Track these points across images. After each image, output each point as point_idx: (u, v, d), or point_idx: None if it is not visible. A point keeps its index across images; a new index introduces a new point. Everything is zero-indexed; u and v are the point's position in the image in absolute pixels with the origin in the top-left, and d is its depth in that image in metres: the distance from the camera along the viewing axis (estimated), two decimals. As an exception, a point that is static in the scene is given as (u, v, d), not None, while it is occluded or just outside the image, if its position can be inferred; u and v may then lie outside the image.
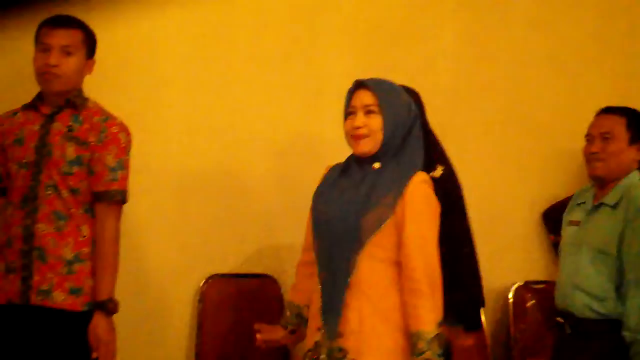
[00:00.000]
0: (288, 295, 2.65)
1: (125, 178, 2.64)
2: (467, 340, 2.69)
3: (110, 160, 2.60)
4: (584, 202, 2.95)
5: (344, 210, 2.29)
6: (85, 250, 2.57)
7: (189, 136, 3.38)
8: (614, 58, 3.92)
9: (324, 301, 2.31)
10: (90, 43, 2.69)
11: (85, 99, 2.69)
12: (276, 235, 3.40)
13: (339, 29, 3.57)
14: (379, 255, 2.28)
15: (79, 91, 2.68)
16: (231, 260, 3.40)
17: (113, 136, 2.61)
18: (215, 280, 3.36)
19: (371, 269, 2.28)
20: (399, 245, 2.28)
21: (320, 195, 2.43)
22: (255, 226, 3.42)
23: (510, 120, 3.75)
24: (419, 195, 2.31)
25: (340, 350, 2.25)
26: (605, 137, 2.87)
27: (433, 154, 2.77)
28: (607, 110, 2.93)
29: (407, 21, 3.67)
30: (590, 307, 2.74)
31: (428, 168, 2.64)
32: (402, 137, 2.36)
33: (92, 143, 2.58)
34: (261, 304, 3.37)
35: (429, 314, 2.24)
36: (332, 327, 2.27)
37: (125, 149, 2.65)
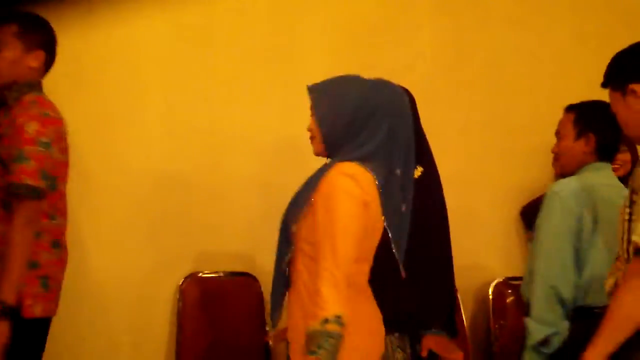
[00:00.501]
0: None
1: (28, 172, 2.42)
2: (457, 355, 2.65)
3: (15, 152, 2.43)
4: None
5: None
6: None
7: (169, 137, 3.39)
8: (592, 57, 3.93)
9: (271, 300, 2.31)
10: (28, 34, 2.56)
11: (23, 93, 2.55)
12: (257, 234, 3.39)
13: (319, 31, 3.58)
14: (308, 251, 2.21)
15: (19, 85, 2.56)
16: (212, 259, 3.41)
17: (19, 127, 2.44)
18: (195, 279, 3.37)
19: (304, 265, 2.23)
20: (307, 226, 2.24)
21: None
22: (236, 225, 3.43)
23: (489, 120, 3.78)
24: (328, 185, 2.17)
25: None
26: (557, 136, 2.93)
27: (416, 154, 2.76)
28: (566, 109, 2.97)
29: (386, 22, 3.69)
30: None
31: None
32: (346, 131, 2.24)
33: (4, 136, 2.48)
34: (242, 303, 3.37)
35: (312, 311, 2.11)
36: (275, 326, 2.32)
37: (32, 140, 2.43)
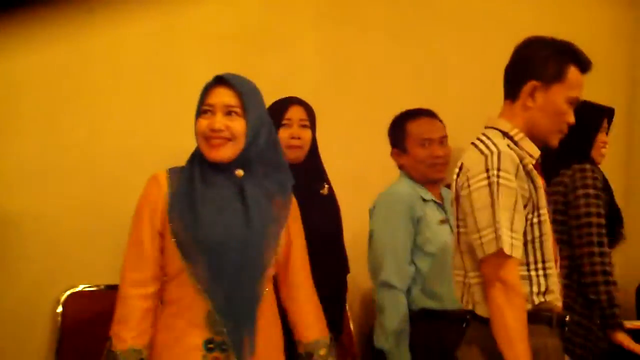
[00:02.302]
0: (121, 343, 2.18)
1: None
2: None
3: None
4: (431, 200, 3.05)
5: (237, 230, 2.11)
6: None
7: (46, 148, 3.28)
8: (474, 66, 4.08)
9: (229, 330, 2.12)
10: None
11: None
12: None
13: (202, 39, 3.55)
14: (271, 274, 2.24)
15: None
16: (96, 273, 3.30)
17: None
18: (80, 292, 3.25)
19: (269, 290, 2.23)
20: (286, 258, 2.27)
21: (180, 211, 2.14)
22: (119, 238, 3.33)
23: (373, 130, 3.83)
24: (297, 206, 2.29)
25: None
26: (445, 141, 3.11)
27: (323, 170, 2.82)
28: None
29: (269, 29, 3.69)
30: None
31: (318, 184, 2.69)
32: (266, 142, 2.20)
33: None
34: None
35: (324, 322, 2.31)
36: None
37: None
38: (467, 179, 2.15)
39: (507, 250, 2.07)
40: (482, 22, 4.15)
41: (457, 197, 2.21)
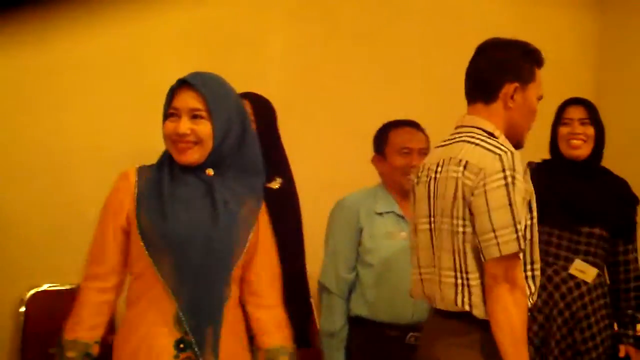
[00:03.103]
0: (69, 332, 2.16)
1: None
2: None
3: None
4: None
5: (203, 227, 2.08)
6: None
7: (11, 145, 3.23)
8: (437, 67, 4.10)
9: (192, 329, 2.08)
10: None
11: None
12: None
13: (167, 37, 3.53)
14: (237, 275, 2.21)
15: None
16: (61, 272, 3.26)
17: None
18: (44, 292, 3.22)
19: (233, 290, 2.20)
20: (251, 262, 2.23)
21: (147, 206, 2.11)
22: (86, 236, 3.30)
23: (341, 129, 3.84)
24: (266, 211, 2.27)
25: None
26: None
27: (273, 164, 2.78)
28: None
29: (238, 28, 3.68)
30: None
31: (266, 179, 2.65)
32: (237, 143, 2.16)
33: None
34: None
35: (288, 331, 2.27)
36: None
37: None
38: (483, 179, 2.11)
39: (523, 247, 2.10)
40: (450, 24, 4.18)
41: (457, 196, 2.16)
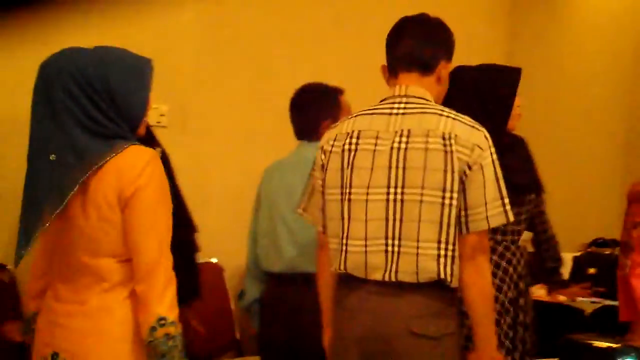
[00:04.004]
0: None
1: None
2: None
3: None
4: None
5: None
6: None
7: None
8: (350, 40, 4.09)
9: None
10: None
11: None
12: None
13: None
14: None
15: None
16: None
17: None
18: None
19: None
20: None
21: None
22: None
23: (254, 102, 3.79)
24: None
25: None
26: None
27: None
28: None
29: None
30: None
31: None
32: None
33: None
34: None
35: None
36: None
37: None
38: (480, 154, 2.14)
39: (512, 220, 2.19)
40: (362, 1, 4.18)
41: (448, 169, 2.12)
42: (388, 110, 2.21)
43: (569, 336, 2.76)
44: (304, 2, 4.01)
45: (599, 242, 4.05)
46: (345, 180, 2.19)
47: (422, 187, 2.14)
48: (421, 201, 2.14)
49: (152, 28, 3.56)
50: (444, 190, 2.14)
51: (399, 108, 2.21)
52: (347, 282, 2.20)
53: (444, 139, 2.14)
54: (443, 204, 2.14)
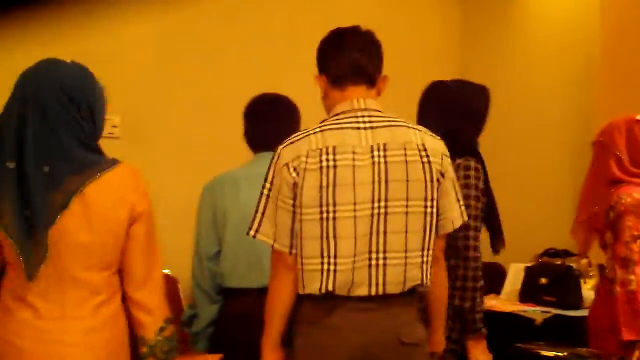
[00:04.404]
0: None
1: None
2: None
3: None
4: None
5: None
6: None
7: None
8: (305, 50, 4.08)
9: None
10: None
11: None
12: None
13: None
14: None
15: None
16: None
17: None
18: None
19: None
20: None
21: None
22: None
23: (208, 113, 3.78)
24: None
25: None
26: None
27: None
28: None
29: (93, 7, 3.54)
30: None
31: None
32: None
33: None
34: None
35: None
36: None
37: None
38: (448, 162, 2.28)
39: (466, 219, 2.36)
40: (315, 9, 4.19)
41: (428, 179, 2.21)
42: (355, 125, 2.22)
43: (517, 345, 2.78)
44: (258, 13, 4.01)
45: (551, 253, 4.10)
46: (327, 199, 2.15)
47: (407, 199, 2.19)
48: (407, 212, 2.19)
49: (105, 38, 3.53)
50: (425, 200, 2.21)
51: (364, 122, 2.23)
52: (325, 300, 2.18)
53: (419, 150, 2.21)
54: (426, 213, 2.21)
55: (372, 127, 2.22)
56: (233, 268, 2.79)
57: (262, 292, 2.60)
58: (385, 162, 2.18)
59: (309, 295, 2.18)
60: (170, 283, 3.59)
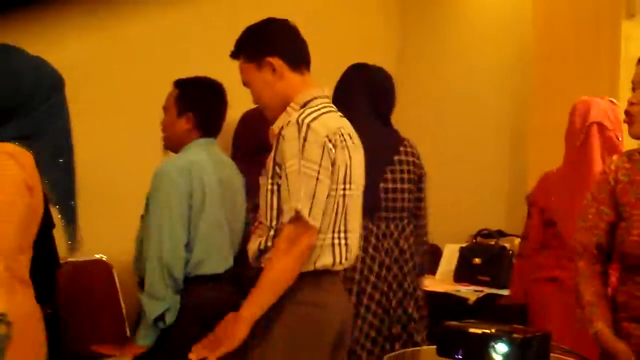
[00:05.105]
0: None
1: None
2: None
3: None
4: None
5: None
6: None
7: None
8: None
9: None
10: None
11: None
12: None
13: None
14: None
15: None
16: None
17: None
18: None
19: None
20: None
21: None
22: None
23: (141, 100, 3.74)
24: None
25: None
26: (164, 110, 2.96)
27: None
28: (173, 83, 2.99)
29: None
30: None
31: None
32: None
33: None
34: None
35: None
36: None
37: None
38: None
39: None
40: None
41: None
42: (335, 110, 2.33)
43: (447, 323, 2.87)
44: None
45: (484, 234, 4.20)
46: (349, 177, 2.26)
47: (354, 182, 2.30)
48: (352, 196, 2.30)
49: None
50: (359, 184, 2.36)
51: (336, 109, 2.35)
52: (319, 276, 2.25)
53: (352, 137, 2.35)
54: (356, 196, 2.34)
55: (340, 115, 2.34)
56: (207, 254, 2.74)
57: (226, 274, 2.79)
58: (355, 148, 2.32)
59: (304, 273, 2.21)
60: (106, 269, 3.59)
